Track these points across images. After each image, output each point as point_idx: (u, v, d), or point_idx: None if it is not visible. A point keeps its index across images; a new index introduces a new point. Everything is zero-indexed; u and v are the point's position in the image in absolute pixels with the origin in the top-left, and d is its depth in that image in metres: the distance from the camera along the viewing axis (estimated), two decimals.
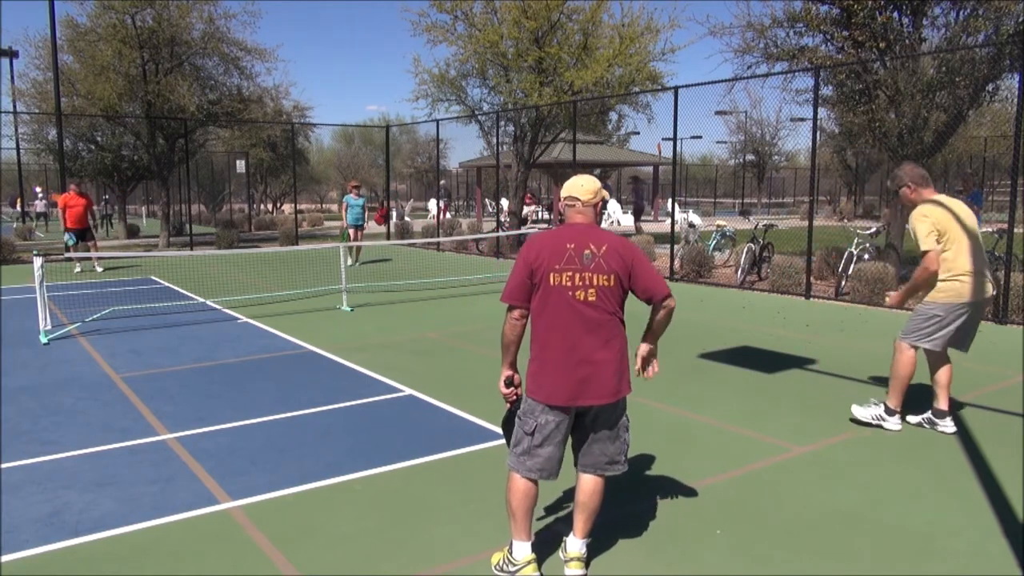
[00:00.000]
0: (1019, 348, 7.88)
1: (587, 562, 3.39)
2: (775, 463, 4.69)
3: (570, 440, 3.36)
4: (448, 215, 28.86)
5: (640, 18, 16.86)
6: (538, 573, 3.30)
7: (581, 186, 3.31)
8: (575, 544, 3.34)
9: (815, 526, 3.84)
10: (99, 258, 15.23)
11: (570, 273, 3.18)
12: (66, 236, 14.39)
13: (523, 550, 3.29)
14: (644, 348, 3.44)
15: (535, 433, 3.23)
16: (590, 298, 3.19)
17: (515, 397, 3.38)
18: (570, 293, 3.18)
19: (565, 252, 3.20)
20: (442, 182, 34.62)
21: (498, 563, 3.37)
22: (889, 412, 5.29)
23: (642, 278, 3.25)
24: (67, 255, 12.46)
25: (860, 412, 5.39)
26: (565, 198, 3.35)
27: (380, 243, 13.89)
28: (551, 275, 3.19)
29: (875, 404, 5.39)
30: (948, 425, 5.23)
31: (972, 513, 3.99)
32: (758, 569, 3.42)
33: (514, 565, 3.29)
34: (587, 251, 3.20)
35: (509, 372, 3.35)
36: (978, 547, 3.63)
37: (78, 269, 15.01)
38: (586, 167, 33.04)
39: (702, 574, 3.38)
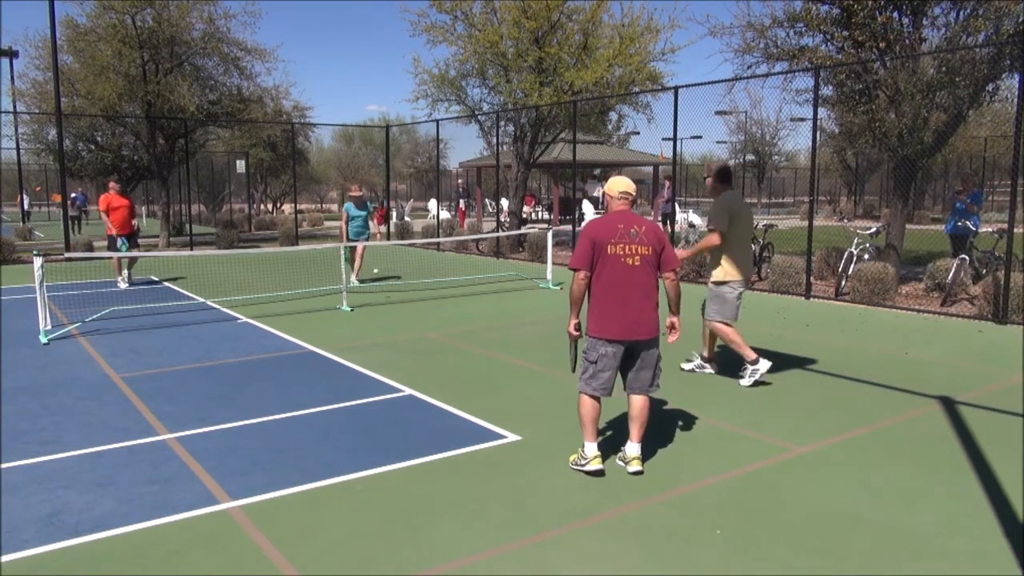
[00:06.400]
0: (1019, 348, 7.88)
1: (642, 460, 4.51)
2: (775, 463, 4.69)
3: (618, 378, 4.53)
4: (467, 221, 26.44)
5: (640, 18, 16.84)
6: (602, 465, 4.45)
7: (629, 184, 4.57)
8: (633, 448, 4.53)
9: (815, 526, 3.84)
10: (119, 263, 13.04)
11: (622, 245, 4.38)
12: (119, 241, 12.49)
13: (592, 449, 4.48)
14: (675, 320, 4.66)
15: (598, 361, 4.43)
16: (636, 263, 4.39)
17: (578, 336, 4.56)
18: (622, 260, 4.38)
19: (617, 230, 4.41)
20: (459, 180, 34.42)
21: (574, 460, 4.55)
22: (753, 363, 6.39)
23: (668, 252, 4.50)
24: (67, 255, 12.42)
25: (744, 381, 6.40)
26: (621, 192, 4.53)
27: (380, 243, 13.88)
28: (608, 246, 4.38)
29: (746, 366, 6.43)
30: (711, 368, 6.85)
31: (972, 513, 3.99)
32: (758, 569, 3.42)
33: (584, 459, 4.48)
34: (632, 229, 4.42)
35: (576, 320, 4.52)
36: (978, 547, 3.63)
37: (124, 285, 12.67)
38: (586, 167, 33.07)
39: (702, 574, 3.39)
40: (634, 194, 4.56)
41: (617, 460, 4.59)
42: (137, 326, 9.17)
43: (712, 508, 4.04)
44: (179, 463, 4.69)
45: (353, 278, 12.62)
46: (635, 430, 4.52)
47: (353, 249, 12.68)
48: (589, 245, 4.39)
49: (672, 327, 4.64)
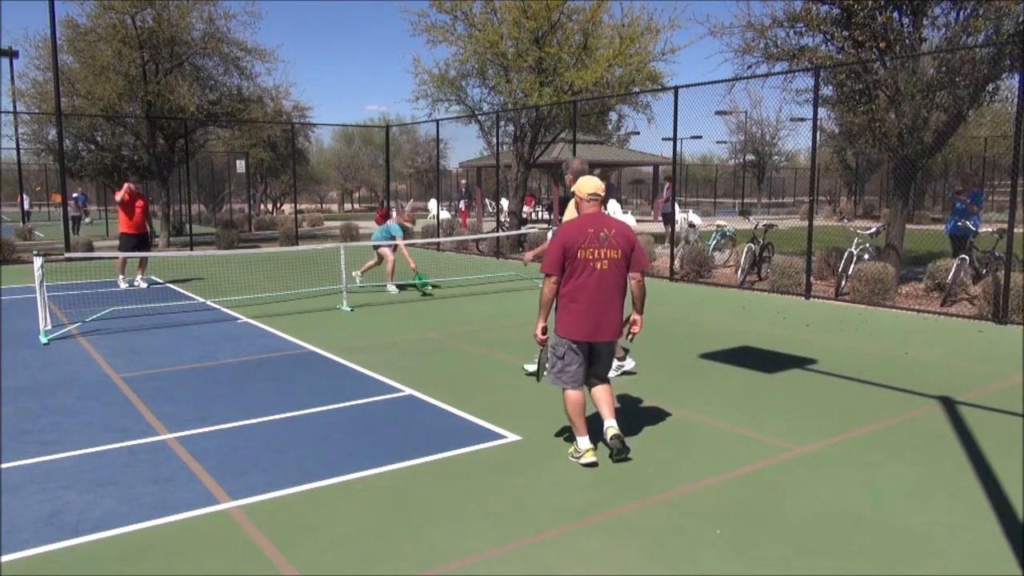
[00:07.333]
0: (1019, 348, 7.88)
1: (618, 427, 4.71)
2: (775, 463, 4.69)
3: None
4: (468, 220, 26.83)
5: (640, 18, 16.84)
6: (595, 458, 4.59)
7: (599, 184, 4.66)
8: (610, 420, 4.70)
9: (815, 526, 3.84)
10: (124, 265, 12.72)
11: (592, 249, 4.50)
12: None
13: (584, 443, 4.63)
14: (638, 317, 4.80)
15: (565, 356, 4.63)
16: (605, 267, 4.53)
17: (545, 340, 4.70)
18: (592, 264, 4.51)
19: (588, 235, 4.50)
20: (462, 181, 34.45)
21: (571, 453, 4.72)
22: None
23: (636, 253, 4.63)
24: (67, 255, 12.42)
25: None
26: (590, 194, 4.64)
27: (380, 243, 13.85)
28: (579, 251, 4.49)
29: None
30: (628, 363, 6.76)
31: (972, 513, 3.99)
32: (758, 569, 3.42)
33: (578, 453, 4.64)
34: (602, 233, 4.52)
35: (544, 324, 4.67)
36: (978, 547, 3.63)
37: (124, 285, 12.52)
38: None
39: (702, 574, 3.39)
40: (603, 194, 4.68)
41: (602, 438, 4.72)
42: (137, 326, 9.17)
43: (712, 508, 4.04)
44: (179, 463, 4.69)
45: (357, 275, 12.45)
46: (605, 409, 4.71)
47: (393, 254, 12.22)
48: (560, 250, 4.52)
49: (634, 322, 4.80)
